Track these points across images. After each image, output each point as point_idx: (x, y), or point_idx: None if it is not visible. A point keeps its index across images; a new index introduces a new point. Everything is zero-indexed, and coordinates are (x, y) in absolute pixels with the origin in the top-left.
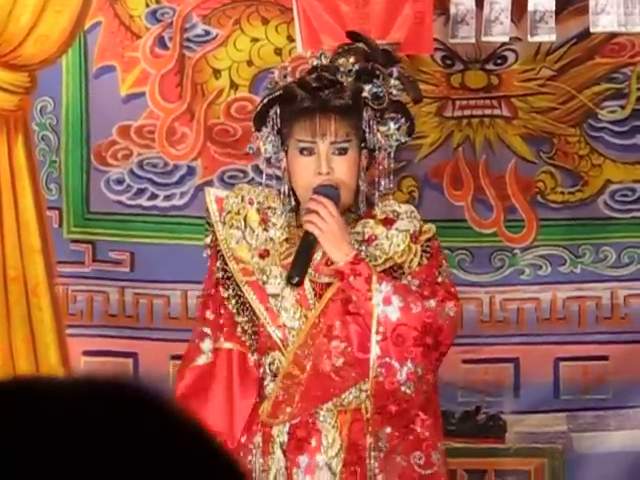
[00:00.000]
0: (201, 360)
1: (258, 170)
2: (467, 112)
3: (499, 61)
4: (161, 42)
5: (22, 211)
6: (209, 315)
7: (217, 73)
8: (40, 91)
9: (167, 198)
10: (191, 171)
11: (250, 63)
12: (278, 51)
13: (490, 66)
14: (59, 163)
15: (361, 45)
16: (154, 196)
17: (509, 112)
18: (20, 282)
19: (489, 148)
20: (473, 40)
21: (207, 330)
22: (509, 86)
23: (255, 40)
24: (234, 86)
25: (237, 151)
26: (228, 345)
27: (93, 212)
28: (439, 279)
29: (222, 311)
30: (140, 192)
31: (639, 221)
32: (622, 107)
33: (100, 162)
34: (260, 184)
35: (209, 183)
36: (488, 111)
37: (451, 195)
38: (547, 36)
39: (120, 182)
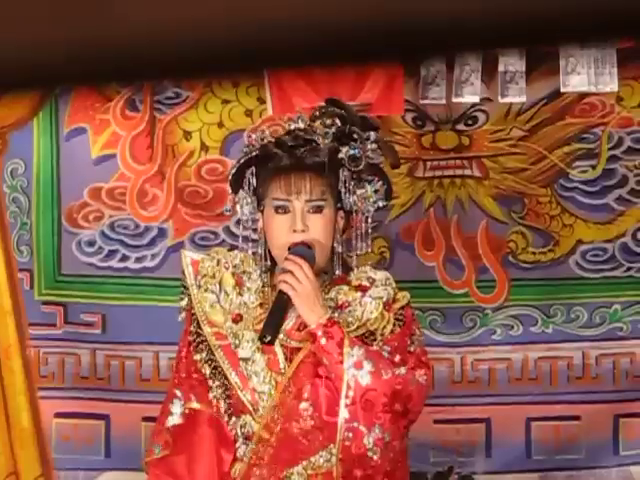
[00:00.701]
0: (170, 422)
1: (229, 231)
2: (438, 172)
3: (470, 122)
4: (132, 104)
5: None
6: (180, 377)
7: (188, 135)
8: (11, 153)
9: (138, 260)
10: (162, 233)
11: (221, 125)
12: (249, 113)
13: (461, 126)
14: (30, 225)
15: (337, 109)
16: (125, 258)
17: (480, 172)
18: None
19: (460, 208)
20: (444, 101)
21: (177, 392)
22: (480, 146)
23: (226, 102)
24: (205, 148)
25: (208, 213)
26: (200, 406)
27: (64, 274)
28: (411, 348)
29: (194, 375)
30: (111, 254)
31: (610, 281)
32: (593, 167)
33: (71, 224)
34: (232, 246)
35: (180, 245)
36: (459, 171)
37: (422, 255)
38: (518, 97)
39: (91, 244)
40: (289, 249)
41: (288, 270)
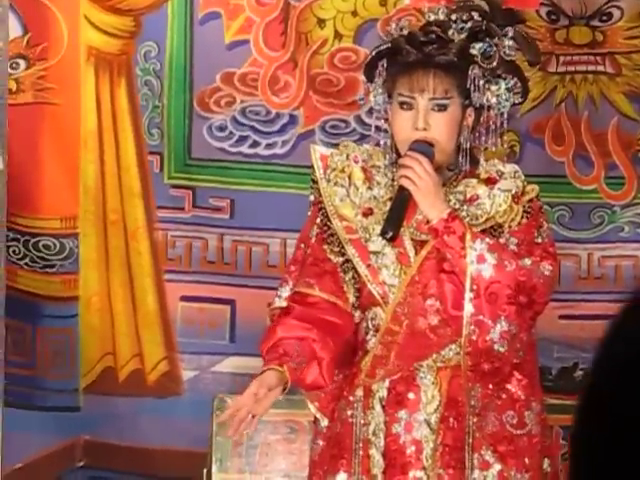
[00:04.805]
0: (276, 304)
1: (360, 120)
2: (571, 68)
3: (604, 18)
4: None
5: (123, 155)
6: (297, 267)
7: (321, 23)
8: (144, 36)
9: (269, 146)
10: (293, 120)
11: (355, 13)
12: (383, 2)
13: (595, 22)
14: (162, 108)
15: (481, 2)
16: (256, 144)
17: (613, 69)
18: (120, 226)
19: (592, 104)
20: None
21: (287, 277)
22: (614, 43)
23: None
24: (338, 36)
25: (339, 101)
26: (323, 295)
27: (194, 158)
28: (538, 239)
29: (321, 264)
30: (242, 139)
31: None
32: None
33: (203, 108)
34: (362, 135)
35: (311, 132)
36: (592, 67)
37: (552, 151)
38: None
39: (222, 129)
40: (409, 146)
41: (408, 166)
